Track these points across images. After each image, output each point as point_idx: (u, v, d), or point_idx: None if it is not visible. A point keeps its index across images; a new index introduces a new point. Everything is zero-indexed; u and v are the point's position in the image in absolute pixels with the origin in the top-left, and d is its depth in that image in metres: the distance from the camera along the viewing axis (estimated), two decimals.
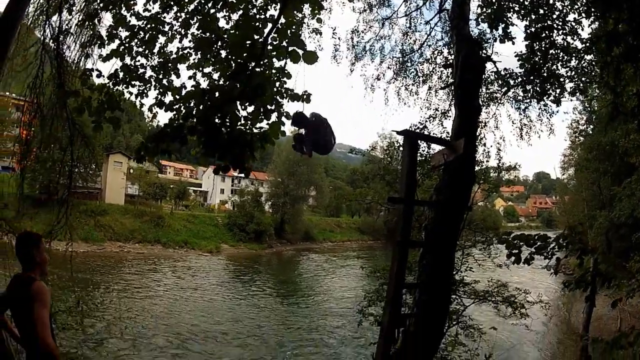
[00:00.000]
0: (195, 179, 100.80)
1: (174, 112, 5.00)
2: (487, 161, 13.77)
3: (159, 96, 5.35)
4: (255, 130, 4.76)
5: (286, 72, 4.75)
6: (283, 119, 4.79)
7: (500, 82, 11.48)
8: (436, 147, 8.17)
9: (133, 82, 5.48)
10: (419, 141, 8.08)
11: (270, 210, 70.75)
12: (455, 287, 10.80)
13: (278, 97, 4.76)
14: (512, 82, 10.90)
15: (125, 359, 20.22)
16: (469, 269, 13.09)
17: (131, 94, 5.51)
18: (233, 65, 4.71)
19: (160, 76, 5.51)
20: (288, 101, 4.84)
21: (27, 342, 4.25)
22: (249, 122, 4.74)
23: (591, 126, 36.43)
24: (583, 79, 10.13)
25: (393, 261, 7.11)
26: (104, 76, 5.33)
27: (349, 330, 26.75)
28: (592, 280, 4.12)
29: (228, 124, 4.67)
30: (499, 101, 12.35)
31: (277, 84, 4.77)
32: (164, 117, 5.22)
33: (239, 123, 4.68)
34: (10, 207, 8.02)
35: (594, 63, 9.65)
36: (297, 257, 60.46)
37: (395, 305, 6.97)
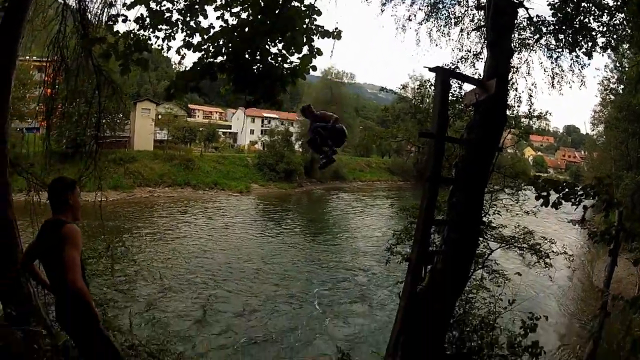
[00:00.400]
0: (225, 121, 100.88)
1: (202, 52, 4.91)
2: (519, 106, 13.56)
3: (187, 38, 5.26)
4: (285, 66, 4.73)
5: (316, 9, 4.66)
6: (314, 53, 4.73)
7: (532, 28, 11.13)
8: (467, 88, 8.02)
9: (159, 27, 5.34)
10: (450, 81, 7.94)
11: (300, 149, 70.43)
12: (483, 229, 10.78)
13: (308, 33, 4.68)
14: (544, 29, 10.59)
15: (158, 301, 20.70)
16: (496, 212, 13.04)
17: (158, 38, 5.39)
18: (262, 3, 4.62)
19: (187, 18, 5.37)
20: (318, 38, 4.75)
21: (57, 289, 4.22)
22: (279, 58, 4.71)
23: (622, 86, 35.57)
24: (615, 36, 9.84)
25: (423, 197, 7.14)
26: (130, 20, 5.24)
27: (377, 268, 27.26)
28: (616, 235, 4.08)
29: (258, 59, 4.64)
30: (531, 48, 11.99)
31: (307, 20, 4.68)
32: (191, 60, 5.16)
33: (269, 58, 4.65)
34: (37, 166, 8.07)
35: (625, 22, 9.43)
36: (327, 196, 60.90)
37: (423, 242, 7.05)
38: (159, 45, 5.41)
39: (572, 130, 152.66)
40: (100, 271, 9.79)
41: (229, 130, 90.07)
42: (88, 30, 7.30)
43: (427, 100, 15.52)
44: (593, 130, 56.54)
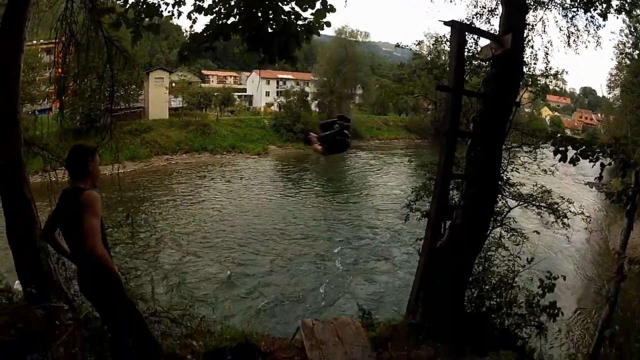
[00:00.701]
0: (239, 85, 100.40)
1: (214, 15, 4.84)
2: (535, 64, 13.27)
3: (197, 1, 5.13)
4: (299, 23, 4.65)
5: None
6: (327, 8, 4.62)
7: None
8: (483, 44, 7.88)
9: None
10: (465, 36, 7.79)
11: (317, 109, 70.15)
12: (501, 185, 10.69)
13: None
14: None
15: (181, 267, 21.07)
16: (514, 169, 12.91)
17: (167, 4, 5.25)
18: None
19: None
20: None
21: (78, 257, 4.19)
22: (293, 16, 4.64)
23: (637, 51, 35.26)
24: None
25: (441, 152, 7.20)
26: None
27: (397, 226, 27.37)
28: (632, 196, 3.99)
29: (271, 17, 4.56)
30: (546, 6, 11.67)
31: None
32: (203, 24, 5.05)
33: (282, 16, 4.56)
34: (52, 145, 8.04)
35: None
36: (345, 155, 60.54)
37: (442, 197, 7.07)
38: (169, 12, 5.30)
39: (589, 92, 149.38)
40: (121, 240, 9.84)
41: (244, 94, 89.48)
42: (96, 2, 7.20)
43: (443, 58, 15.23)
44: (609, 93, 55.33)
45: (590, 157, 3.64)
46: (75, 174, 4.16)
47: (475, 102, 7.78)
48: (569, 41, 12.34)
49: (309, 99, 70.46)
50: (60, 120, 8.49)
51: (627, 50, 37.10)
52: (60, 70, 7.90)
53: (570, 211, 13.46)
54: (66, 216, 4.04)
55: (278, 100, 72.90)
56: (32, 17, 6.10)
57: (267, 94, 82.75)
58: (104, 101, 8.90)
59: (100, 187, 4.36)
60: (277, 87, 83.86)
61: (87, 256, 3.73)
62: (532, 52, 12.94)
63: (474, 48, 11.53)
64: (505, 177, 11.73)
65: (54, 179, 6.78)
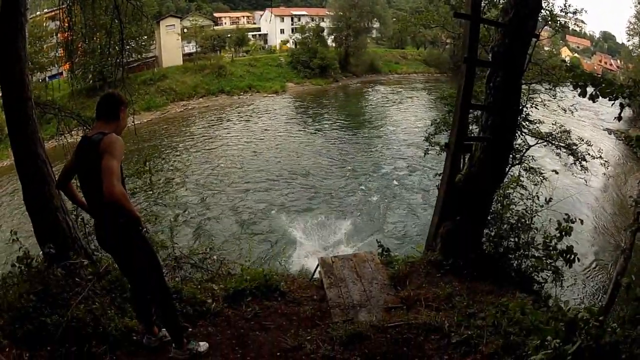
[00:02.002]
0: (253, 24, 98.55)
1: None
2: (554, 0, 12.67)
3: None
4: None
5: None
6: None
7: None
8: None
9: None
10: None
11: (334, 44, 68.72)
12: (520, 121, 10.41)
13: None
14: None
15: (202, 209, 21.61)
16: (534, 105, 12.56)
17: None
18: None
19: None
20: None
21: (96, 207, 4.02)
22: None
23: None
24: None
25: (460, 79, 7.10)
26: None
27: (416, 159, 27.47)
28: None
29: None
30: None
31: None
32: None
33: None
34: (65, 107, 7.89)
35: None
36: (363, 90, 60.07)
37: (461, 127, 6.98)
38: None
39: (608, 37, 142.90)
40: (140, 187, 9.93)
41: (258, 33, 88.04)
42: None
43: None
44: (629, 40, 55.34)
45: (610, 96, 3.46)
46: (104, 119, 3.95)
47: (494, 32, 7.55)
48: None
49: (324, 34, 68.86)
50: (71, 79, 8.41)
51: None
52: (65, 34, 7.74)
53: (588, 154, 13.21)
54: (85, 162, 3.85)
55: (293, 37, 71.43)
56: None
57: (282, 31, 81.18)
58: (114, 55, 8.71)
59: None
60: (292, 24, 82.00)
61: (104, 205, 3.57)
62: None
63: None
64: (524, 113, 11.44)
65: (69, 140, 6.75)
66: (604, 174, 21.17)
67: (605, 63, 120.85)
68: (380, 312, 5.71)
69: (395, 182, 25.64)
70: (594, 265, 17.38)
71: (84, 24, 7.47)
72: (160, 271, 4.30)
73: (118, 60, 8.36)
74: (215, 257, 7.26)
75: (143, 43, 49.29)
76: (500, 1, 10.49)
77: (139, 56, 48.62)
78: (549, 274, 6.76)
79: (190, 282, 6.02)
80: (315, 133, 36.89)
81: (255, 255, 16.41)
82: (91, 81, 38.21)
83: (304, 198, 23.06)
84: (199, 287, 5.84)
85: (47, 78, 35.83)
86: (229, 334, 4.98)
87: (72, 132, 6.96)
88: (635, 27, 47.99)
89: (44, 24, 31.69)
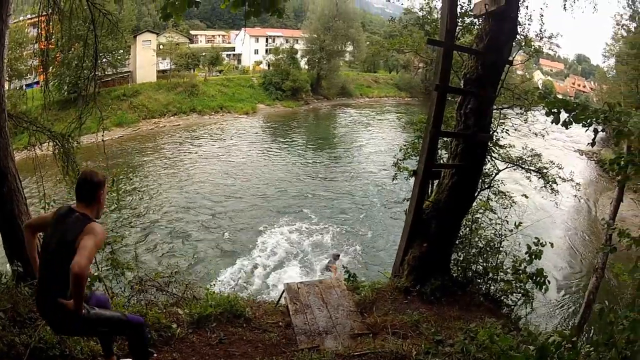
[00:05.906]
0: (228, 44, 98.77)
1: None
2: (529, 25, 13.01)
3: None
4: None
5: None
6: None
7: None
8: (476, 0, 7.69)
9: None
10: None
11: (306, 66, 68.96)
12: (490, 146, 10.57)
13: None
14: None
15: (169, 231, 21.17)
16: (505, 130, 12.80)
17: None
18: None
19: None
20: None
21: (46, 277, 3.77)
22: None
23: (634, 24, 36.94)
24: None
25: (431, 106, 7.12)
26: None
27: (384, 185, 27.67)
28: (625, 165, 3.95)
29: None
30: None
31: None
32: None
33: None
34: (40, 120, 7.75)
35: None
36: (334, 112, 60.51)
37: (430, 154, 7.03)
38: None
39: (583, 59, 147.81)
40: (107, 206, 9.80)
41: (232, 52, 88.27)
42: None
43: (435, 15, 14.91)
44: (604, 62, 57.04)
45: (584, 122, 3.55)
46: (84, 200, 3.91)
47: (467, 58, 7.60)
48: (565, 4, 12.19)
49: (298, 56, 69.34)
50: (44, 91, 8.29)
51: (624, 21, 38.43)
52: (44, 43, 7.68)
53: (559, 177, 13.46)
54: (63, 232, 3.71)
55: (267, 58, 71.72)
56: None
57: (256, 51, 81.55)
58: (89, 68, 8.61)
59: (86, 156, 4.22)
60: (266, 45, 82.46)
61: (56, 277, 3.58)
62: (526, 13, 12.76)
63: (467, 6, 11.31)
64: (495, 138, 11.63)
65: (39, 152, 6.66)
66: (575, 195, 21.56)
67: (579, 85, 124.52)
68: (346, 339, 5.71)
69: (361, 206, 25.60)
70: (567, 287, 17.61)
71: (61, 34, 7.42)
72: (118, 320, 4.16)
73: (92, 75, 8.29)
74: (180, 279, 7.16)
75: (119, 57, 48.85)
76: (475, 27, 10.70)
77: (114, 70, 48.06)
78: (519, 297, 6.87)
79: (155, 307, 5.90)
80: (284, 156, 36.81)
81: (221, 277, 16.37)
82: (66, 93, 37.76)
83: (268, 217, 22.98)
84: (164, 311, 5.75)
85: (24, 86, 35.23)
86: None
87: (43, 146, 6.87)
88: (612, 48, 49.50)
89: (26, 30, 31.27)
